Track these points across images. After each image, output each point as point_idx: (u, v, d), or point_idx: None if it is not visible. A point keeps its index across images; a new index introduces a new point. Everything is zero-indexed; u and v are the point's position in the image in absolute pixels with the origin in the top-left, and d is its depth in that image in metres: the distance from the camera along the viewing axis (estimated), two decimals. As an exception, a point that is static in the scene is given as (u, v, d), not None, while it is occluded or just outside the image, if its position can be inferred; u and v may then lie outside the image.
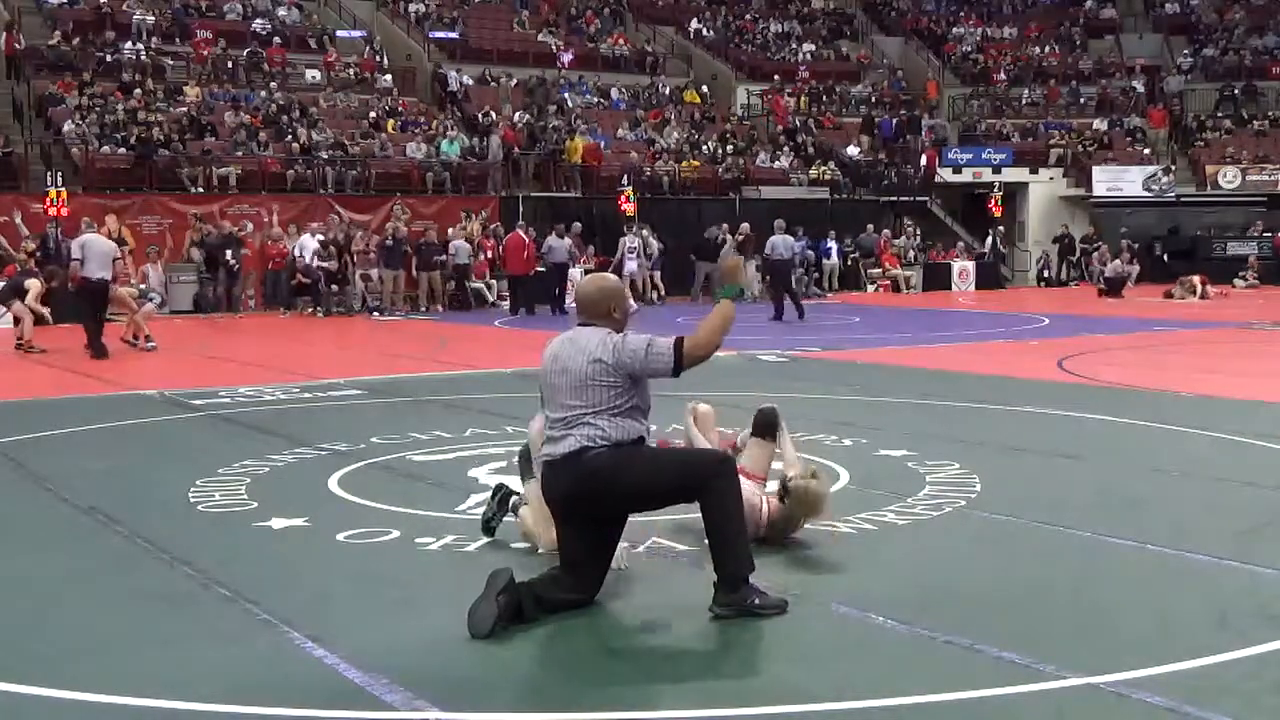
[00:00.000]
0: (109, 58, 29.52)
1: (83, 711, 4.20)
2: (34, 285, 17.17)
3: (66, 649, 4.80)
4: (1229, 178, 36.21)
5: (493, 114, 31.41)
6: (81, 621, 5.18)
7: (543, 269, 24.99)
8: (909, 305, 27.77)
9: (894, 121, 37.99)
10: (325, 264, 23.61)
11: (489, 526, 6.35)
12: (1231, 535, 6.48)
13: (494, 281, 26.02)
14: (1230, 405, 10.47)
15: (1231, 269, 32.18)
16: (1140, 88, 40.56)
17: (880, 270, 31.39)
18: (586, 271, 24.48)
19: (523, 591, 5.03)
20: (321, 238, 24.08)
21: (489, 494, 6.49)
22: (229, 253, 23.77)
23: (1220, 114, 39.61)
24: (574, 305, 5.49)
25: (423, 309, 24.69)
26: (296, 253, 23.73)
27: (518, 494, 6.32)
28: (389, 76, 32.90)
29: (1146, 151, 37.93)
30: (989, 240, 34.32)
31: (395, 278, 24.72)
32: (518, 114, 31.80)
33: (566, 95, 34.41)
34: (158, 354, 16.14)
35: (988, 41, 44.00)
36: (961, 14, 45.71)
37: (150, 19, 31.52)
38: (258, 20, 33.25)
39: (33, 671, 4.49)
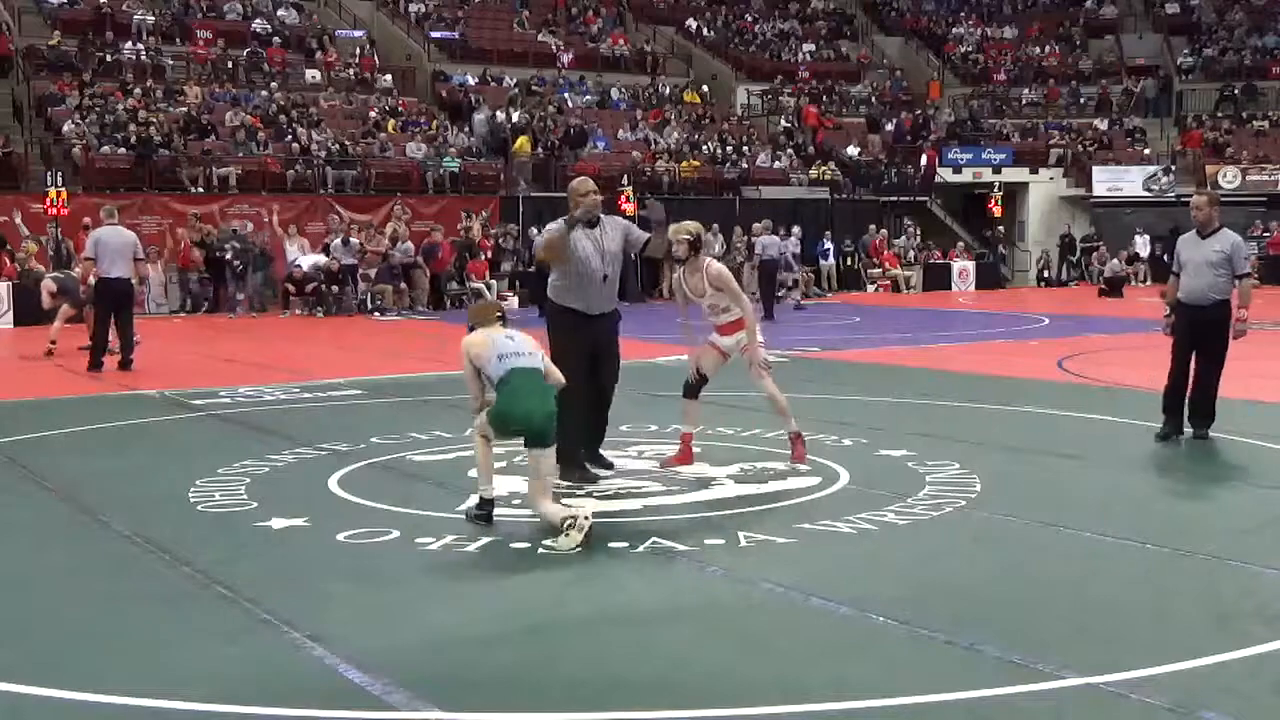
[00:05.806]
0: (109, 58, 29.49)
1: (82, 711, 4.20)
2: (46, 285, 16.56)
3: (66, 649, 4.80)
4: (1229, 178, 36.17)
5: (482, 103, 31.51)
6: (81, 621, 5.18)
7: (531, 268, 24.91)
8: (909, 305, 27.76)
9: (898, 121, 37.89)
10: (347, 260, 23.71)
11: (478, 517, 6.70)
12: (1232, 535, 6.48)
13: (494, 281, 25.97)
14: (1229, 405, 10.44)
15: None
16: (1137, 89, 40.52)
17: (880, 270, 31.38)
18: None
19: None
20: (355, 240, 24.18)
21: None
22: (231, 253, 23.72)
23: (1220, 114, 39.58)
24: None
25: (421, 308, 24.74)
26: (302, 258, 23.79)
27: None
28: (389, 76, 32.89)
29: (1146, 151, 37.91)
30: (993, 241, 34.43)
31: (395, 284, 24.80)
32: (517, 114, 31.75)
33: (566, 95, 34.38)
34: (158, 354, 15.94)
35: (988, 41, 43.96)
36: (961, 14, 45.65)
37: (150, 19, 31.49)
38: (258, 20, 33.20)
39: (33, 671, 4.49)
